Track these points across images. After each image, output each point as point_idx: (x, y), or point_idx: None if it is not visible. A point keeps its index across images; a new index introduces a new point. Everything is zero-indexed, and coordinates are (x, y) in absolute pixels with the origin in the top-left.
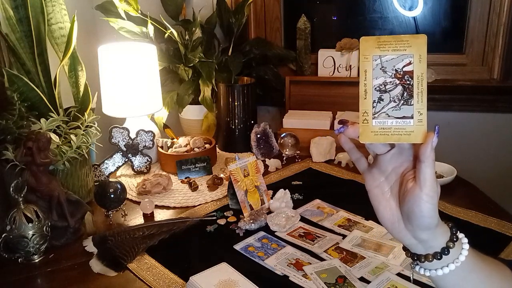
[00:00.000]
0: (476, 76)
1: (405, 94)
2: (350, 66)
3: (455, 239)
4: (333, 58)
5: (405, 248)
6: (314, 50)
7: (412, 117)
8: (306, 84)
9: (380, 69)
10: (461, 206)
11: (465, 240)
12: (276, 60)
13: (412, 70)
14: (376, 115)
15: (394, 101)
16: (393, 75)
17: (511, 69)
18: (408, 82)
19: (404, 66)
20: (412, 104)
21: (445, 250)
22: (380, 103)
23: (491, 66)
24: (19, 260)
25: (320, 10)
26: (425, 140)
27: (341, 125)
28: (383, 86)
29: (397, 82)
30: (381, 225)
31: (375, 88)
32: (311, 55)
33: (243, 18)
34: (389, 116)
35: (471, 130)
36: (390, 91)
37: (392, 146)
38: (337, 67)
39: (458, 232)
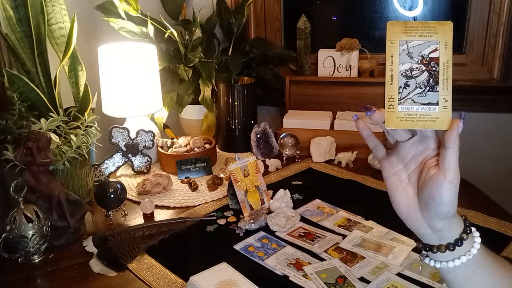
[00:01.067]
0: (476, 76)
1: (430, 81)
2: (350, 66)
3: (468, 231)
4: (333, 58)
5: (416, 239)
6: (314, 50)
7: (437, 104)
8: (306, 84)
9: (407, 54)
10: (461, 206)
11: (477, 233)
12: (276, 60)
13: (438, 57)
14: (402, 101)
15: (420, 87)
16: (419, 61)
17: (511, 69)
18: (434, 68)
19: (430, 53)
20: (438, 91)
21: (459, 241)
22: (406, 88)
23: (491, 66)
24: (19, 260)
25: (320, 10)
26: (451, 126)
27: (368, 110)
28: (409, 71)
29: (423, 68)
30: (397, 213)
31: (401, 74)
32: (311, 55)
33: (243, 18)
34: (414, 102)
35: (471, 130)
36: (416, 77)
37: (414, 133)
38: (337, 67)
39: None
